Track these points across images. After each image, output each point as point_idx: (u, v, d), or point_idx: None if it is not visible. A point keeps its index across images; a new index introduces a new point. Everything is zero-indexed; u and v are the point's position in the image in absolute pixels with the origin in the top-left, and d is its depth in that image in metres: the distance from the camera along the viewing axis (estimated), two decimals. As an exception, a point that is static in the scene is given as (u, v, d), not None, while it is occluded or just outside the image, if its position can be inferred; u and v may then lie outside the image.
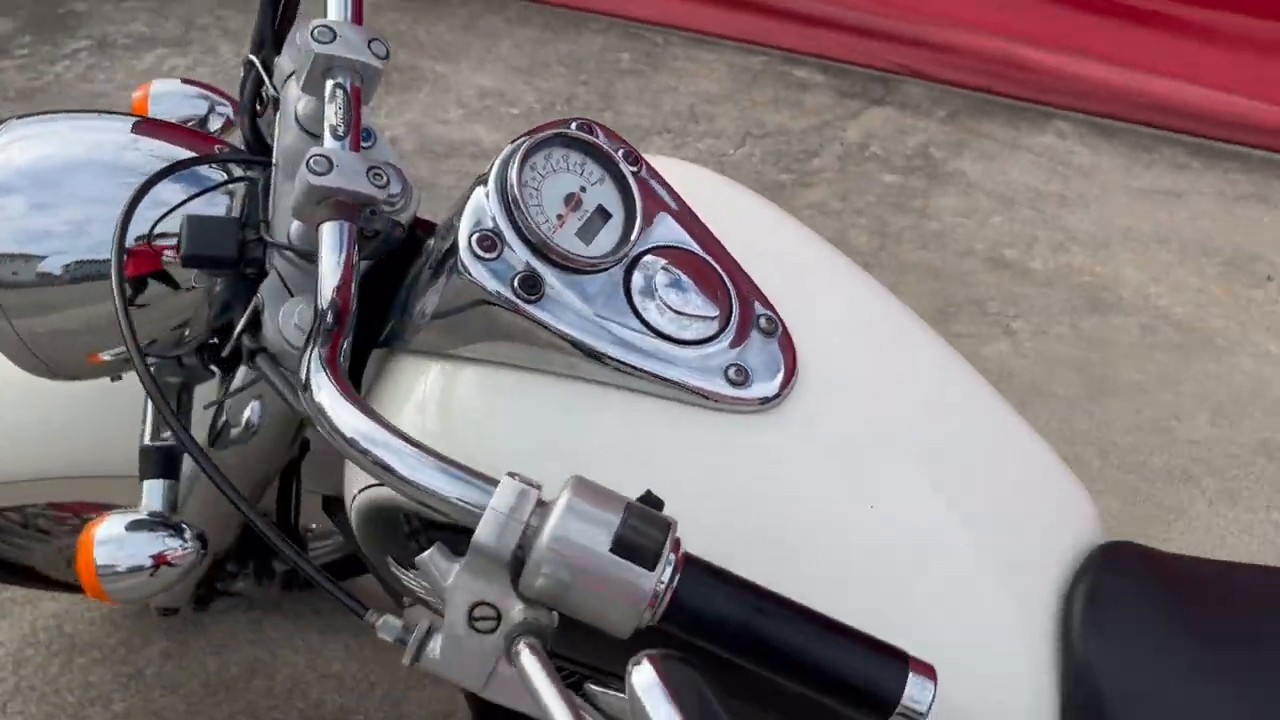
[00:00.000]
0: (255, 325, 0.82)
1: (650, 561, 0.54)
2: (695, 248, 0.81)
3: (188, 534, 0.95)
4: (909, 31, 3.50)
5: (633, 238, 0.77)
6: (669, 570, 0.55)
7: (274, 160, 0.87)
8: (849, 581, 0.75)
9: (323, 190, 0.72)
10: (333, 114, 0.79)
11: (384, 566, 0.83)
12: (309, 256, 0.80)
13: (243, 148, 0.94)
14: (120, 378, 1.00)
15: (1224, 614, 0.84)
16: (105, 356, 0.94)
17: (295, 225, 0.80)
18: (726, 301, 0.79)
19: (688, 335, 0.77)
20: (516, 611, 0.57)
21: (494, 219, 0.74)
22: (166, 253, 0.88)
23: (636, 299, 0.76)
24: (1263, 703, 0.79)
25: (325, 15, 0.83)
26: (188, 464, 1.00)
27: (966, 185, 3.04)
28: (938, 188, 3.02)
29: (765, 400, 0.77)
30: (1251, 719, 0.79)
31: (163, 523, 0.95)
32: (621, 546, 0.54)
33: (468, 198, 0.76)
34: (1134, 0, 3.37)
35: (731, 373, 0.77)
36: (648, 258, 0.78)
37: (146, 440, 1.00)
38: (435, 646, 0.59)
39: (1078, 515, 0.89)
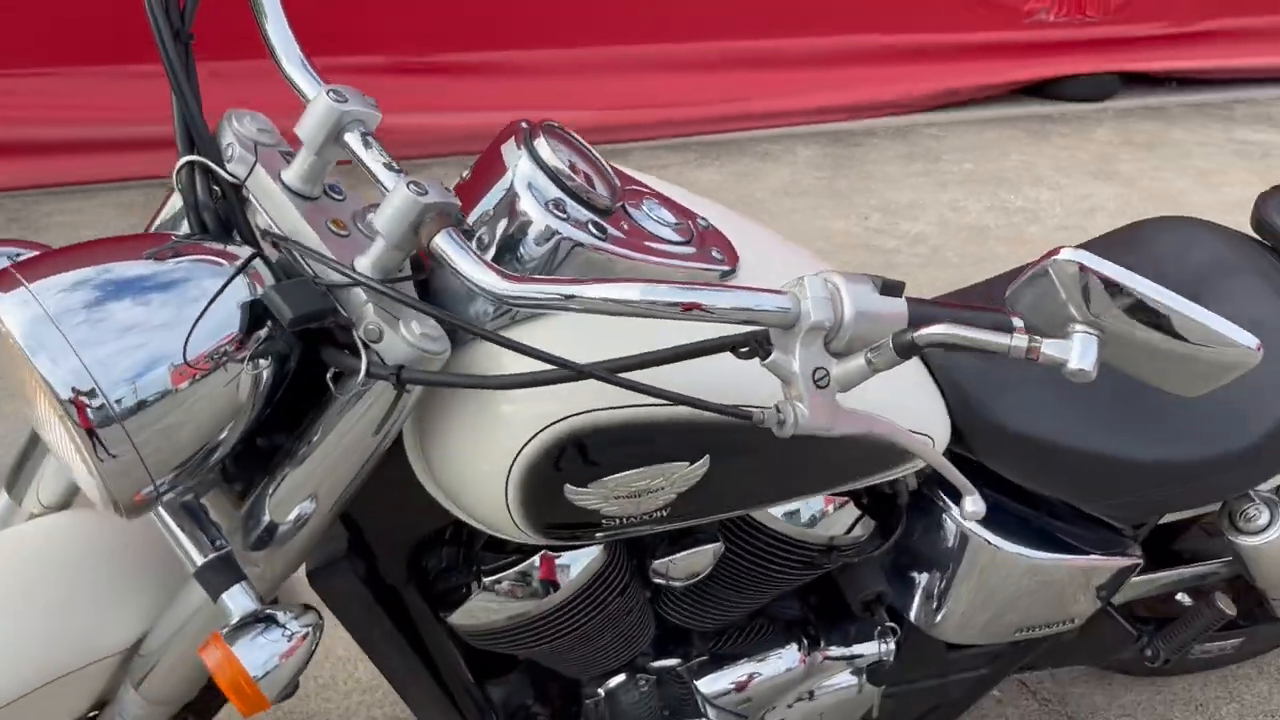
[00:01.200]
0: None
1: (900, 292, 0.83)
2: (642, 187, 1.07)
3: (286, 616, 0.96)
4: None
5: (618, 184, 1.01)
6: (905, 297, 0.84)
7: (279, 234, 0.93)
8: None
9: (436, 206, 0.85)
10: (377, 155, 0.90)
11: (550, 496, 0.96)
12: (390, 282, 0.90)
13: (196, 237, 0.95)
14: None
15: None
16: (143, 493, 0.90)
17: (370, 260, 0.89)
18: (680, 214, 1.06)
19: (677, 238, 1.03)
20: (835, 364, 0.81)
21: (552, 189, 0.94)
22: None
23: (642, 222, 1.01)
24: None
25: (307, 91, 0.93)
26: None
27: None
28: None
29: (726, 272, 1.07)
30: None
31: (267, 617, 0.94)
32: (886, 289, 0.82)
33: (509, 188, 0.93)
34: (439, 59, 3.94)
35: (715, 253, 1.05)
36: (626, 198, 1.03)
37: (199, 561, 0.97)
38: (803, 410, 0.80)
39: None
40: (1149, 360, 0.76)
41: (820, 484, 1.13)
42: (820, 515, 1.19)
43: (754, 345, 0.82)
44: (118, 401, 0.84)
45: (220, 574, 0.96)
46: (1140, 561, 1.35)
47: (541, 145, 0.95)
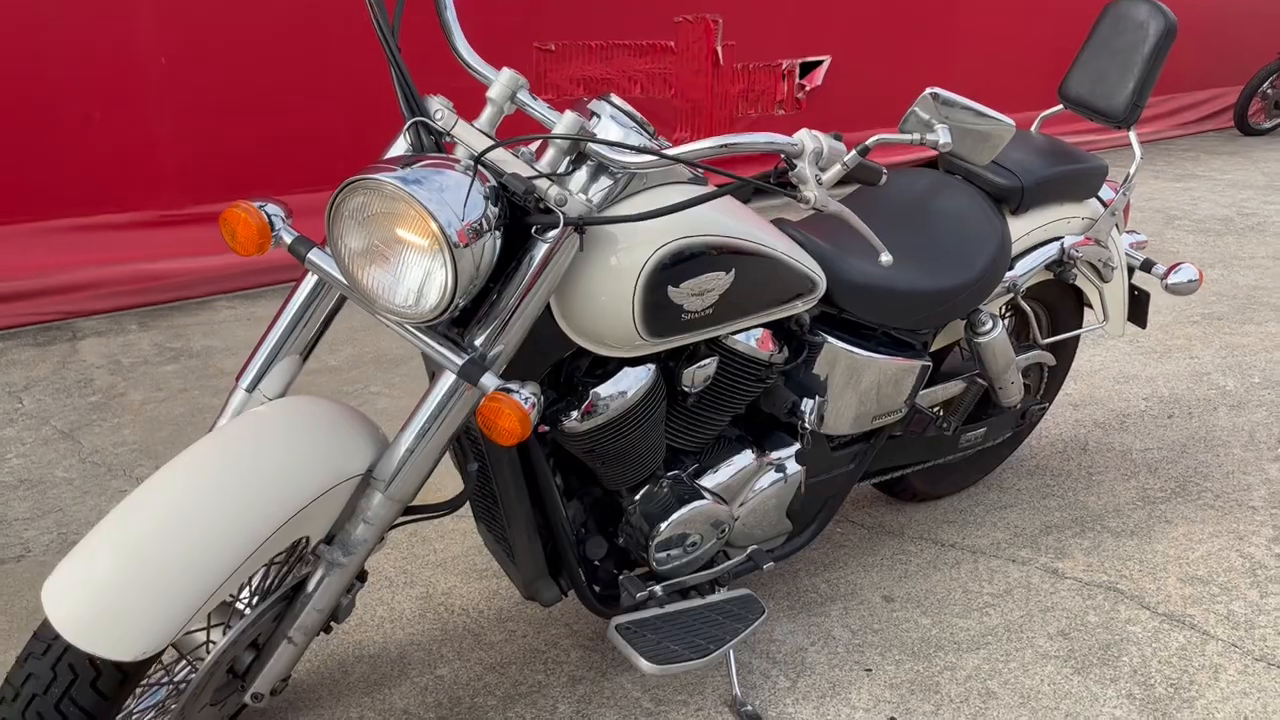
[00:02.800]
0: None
1: (841, 138, 1.58)
2: None
3: (518, 386, 1.51)
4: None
5: None
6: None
7: (480, 155, 1.52)
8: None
9: (588, 125, 1.52)
10: (541, 103, 1.55)
11: (658, 299, 1.61)
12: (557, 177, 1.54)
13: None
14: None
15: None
16: (458, 303, 1.44)
17: (546, 161, 1.52)
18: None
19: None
20: (822, 174, 1.54)
21: (630, 121, 1.62)
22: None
23: (664, 145, 1.71)
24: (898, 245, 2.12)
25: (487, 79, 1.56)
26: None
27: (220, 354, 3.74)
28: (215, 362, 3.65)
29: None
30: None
31: (508, 389, 1.50)
32: (836, 138, 1.57)
33: (591, 118, 1.60)
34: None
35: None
36: None
37: (459, 361, 1.50)
38: (816, 193, 1.51)
39: None
40: (968, 141, 1.58)
41: (772, 302, 1.85)
42: (768, 343, 1.91)
43: (789, 165, 1.55)
44: (463, 235, 1.40)
45: (475, 367, 1.52)
46: (929, 364, 2.19)
47: (614, 98, 1.65)
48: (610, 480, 1.88)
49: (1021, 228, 2.33)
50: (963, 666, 2.10)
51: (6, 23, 3.72)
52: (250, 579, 1.61)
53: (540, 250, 1.53)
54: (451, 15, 1.66)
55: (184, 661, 1.61)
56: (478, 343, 1.54)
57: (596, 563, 1.96)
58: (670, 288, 1.64)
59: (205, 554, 1.39)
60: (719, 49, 5.87)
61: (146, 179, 4.23)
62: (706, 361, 1.84)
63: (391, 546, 2.49)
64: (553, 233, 1.51)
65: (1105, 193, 2.49)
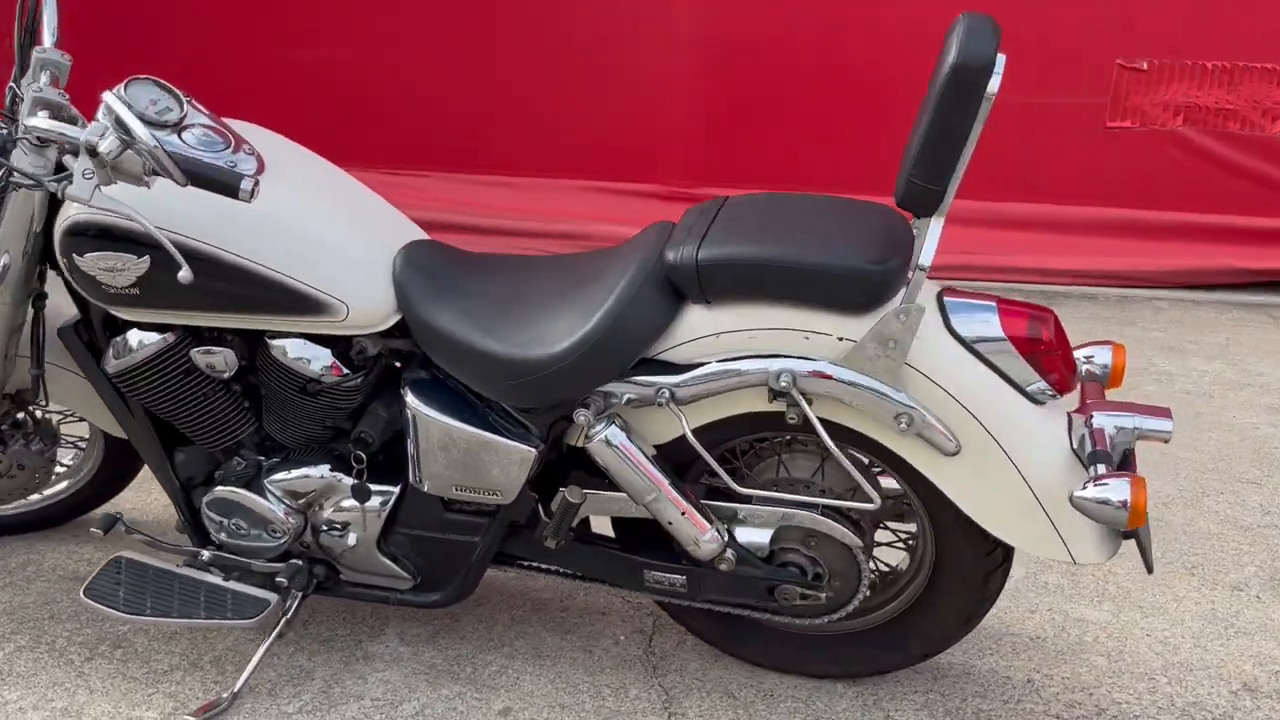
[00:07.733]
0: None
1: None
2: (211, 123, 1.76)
3: None
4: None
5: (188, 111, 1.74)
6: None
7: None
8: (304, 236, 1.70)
9: (47, 100, 1.72)
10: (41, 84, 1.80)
11: (72, 264, 1.67)
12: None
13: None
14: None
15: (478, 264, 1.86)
16: None
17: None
18: (230, 139, 1.78)
19: (225, 152, 1.70)
20: (100, 174, 1.54)
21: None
22: None
23: (191, 141, 1.67)
24: (489, 297, 1.76)
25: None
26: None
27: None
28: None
29: (255, 174, 1.74)
30: (489, 306, 1.75)
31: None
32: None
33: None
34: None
35: (249, 165, 1.72)
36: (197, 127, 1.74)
37: None
38: (70, 189, 1.50)
39: (402, 231, 1.87)
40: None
41: (238, 307, 1.71)
42: (306, 357, 1.76)
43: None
44: None
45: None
46: (533, 451, 1.70)
47: (137, 81, 1.73)
48: (191, 436, 1.92)
49: (717, 323, 1.64)
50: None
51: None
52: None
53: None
54: None
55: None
56: None
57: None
58: (76, 256, 1.69)
59: None
60: None
61: (673, 160, 4.81)
62: (214, 350, 1.77)
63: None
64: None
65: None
